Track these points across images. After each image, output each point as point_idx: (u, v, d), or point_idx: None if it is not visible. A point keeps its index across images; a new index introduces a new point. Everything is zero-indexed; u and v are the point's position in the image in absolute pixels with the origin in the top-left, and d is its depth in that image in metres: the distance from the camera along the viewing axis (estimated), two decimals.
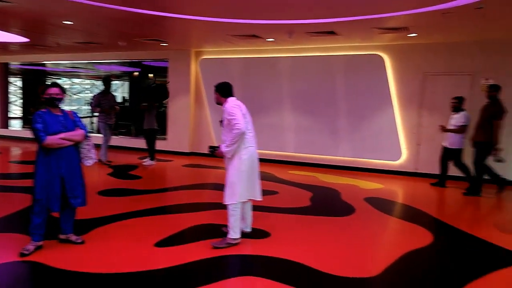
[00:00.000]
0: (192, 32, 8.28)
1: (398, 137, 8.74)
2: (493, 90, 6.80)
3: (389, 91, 8.70)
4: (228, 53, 10.22)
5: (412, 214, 5.81)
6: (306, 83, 9.46)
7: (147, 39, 9.03)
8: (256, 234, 4.52)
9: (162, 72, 11.69)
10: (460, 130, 7.14)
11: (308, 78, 9.42)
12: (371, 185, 7.71)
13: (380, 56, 8.72)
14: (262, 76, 9.90)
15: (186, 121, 10.76)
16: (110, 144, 9.25)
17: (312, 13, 6.16)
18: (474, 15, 5.81)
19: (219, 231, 4.51)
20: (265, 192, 6.68)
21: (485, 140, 6.73)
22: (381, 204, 6.23)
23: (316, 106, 9.43)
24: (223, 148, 4.15)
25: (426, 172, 8.48)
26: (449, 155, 7.37)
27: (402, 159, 8.78)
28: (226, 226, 4.38)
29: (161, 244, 4.13)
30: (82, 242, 4.05)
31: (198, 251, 3.96)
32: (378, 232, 4.94)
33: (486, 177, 7.01)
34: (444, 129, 7.31)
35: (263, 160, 9.87)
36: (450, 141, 7.31)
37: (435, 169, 8.31)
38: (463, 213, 6.26)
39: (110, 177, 7.64)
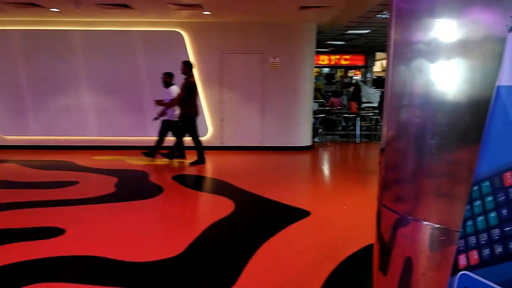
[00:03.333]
0: None
1: (204, 114, 9.00)
2: (186, 67, 7.31)
3: None
4: (5, 24, 8.55)
5: (217, 186, 6.10)
6: (104, 60, 8.75)
7: None
8: (47, 233, 3.96)
9: None
10: (170, 104, 7.43)
11: (106, 55, 8.73)
12: (180, 163, 7.75)
13: (180, 33, 8.70)
14: (51, 52, 8.68)
15: None
16: None
17: None
18: None
19: None
20: (62, 184, 6.01)
21: (186, 112, 7.29)
22: (189, 180, 6.34)
23: (118, 85, 8.85)
24: None
25: (230, 145, 9.03)
26: (167, 127, 7.65)
27: (209, 134, 9.11)
28: None
29: None
30: None
31: None
32: (185, 208, 4.99)
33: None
34: (158, 103, 7.52)
35: (61, 148, 9.01)
36: (167, 114, 7.56)
37: (238, 142, 8.98)
38: (260, 180, 6.87)
39: None
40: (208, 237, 4.00)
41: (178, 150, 7.65)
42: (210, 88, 8.92)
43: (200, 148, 7.45)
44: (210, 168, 7.62)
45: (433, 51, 1.82)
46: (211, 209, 5.00)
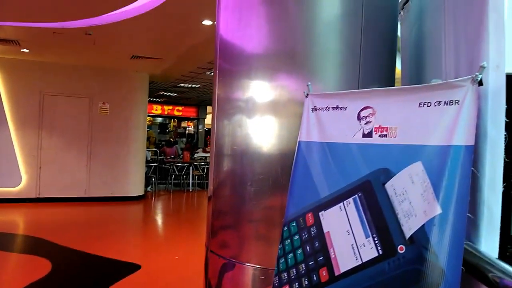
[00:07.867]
0: None
1: (17, 161, 7.87)
2: None
3: (3, 110, 7.72)
4: None
5: (31, 245, 5.29)
6: None
7: None
8: None
9: None
10: None
11: None
12: None
13: None
14: None
15: None
16: None
17: None
18: (85, 40, 6.02)
19: None
20: None
21: None
22: None
23: None
24: None
25: (49, 196, 8.05)
26: None
27: (22, 184, 7.95)
28: None
29: None
30: None
31: None
32: None
33: None
34: None
35: None
36: None
37: (59, 193, 8.09)
38: (84, 234, 6.28)
39: None
40: None
41: None
42: (25, 132, 7.89)
43: None
44: (22, 224, 6.61)
45: (250, 109, 2.07)
46: (22, 271, 4.28)
